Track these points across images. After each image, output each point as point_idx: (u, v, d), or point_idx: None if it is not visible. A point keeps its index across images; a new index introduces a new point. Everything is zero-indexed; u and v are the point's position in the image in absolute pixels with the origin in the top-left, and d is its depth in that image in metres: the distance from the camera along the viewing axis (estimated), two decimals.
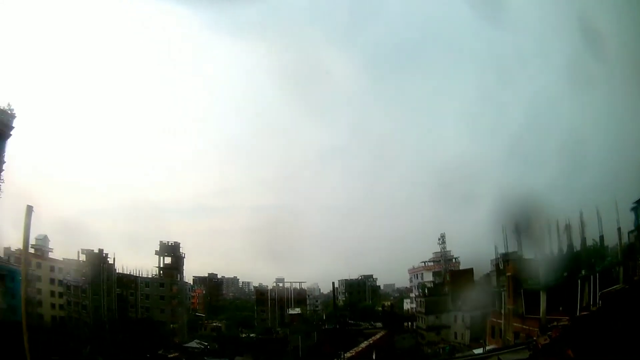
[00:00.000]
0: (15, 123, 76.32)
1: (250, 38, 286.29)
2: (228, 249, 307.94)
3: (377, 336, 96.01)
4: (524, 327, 70.31)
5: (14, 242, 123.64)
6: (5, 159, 75.37)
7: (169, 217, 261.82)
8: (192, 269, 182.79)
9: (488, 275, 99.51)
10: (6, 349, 71.04)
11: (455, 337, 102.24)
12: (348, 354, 73.50)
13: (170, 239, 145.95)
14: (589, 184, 77.01)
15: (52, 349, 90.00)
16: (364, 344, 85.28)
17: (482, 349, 74.56)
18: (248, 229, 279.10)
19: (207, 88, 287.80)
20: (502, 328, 78.87)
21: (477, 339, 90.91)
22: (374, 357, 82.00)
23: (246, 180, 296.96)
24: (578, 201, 75.43)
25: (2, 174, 74.23)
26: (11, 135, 75.05)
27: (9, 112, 74.98)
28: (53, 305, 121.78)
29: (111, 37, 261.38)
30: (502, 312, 79.99)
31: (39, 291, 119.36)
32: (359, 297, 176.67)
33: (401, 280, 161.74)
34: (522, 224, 77.94)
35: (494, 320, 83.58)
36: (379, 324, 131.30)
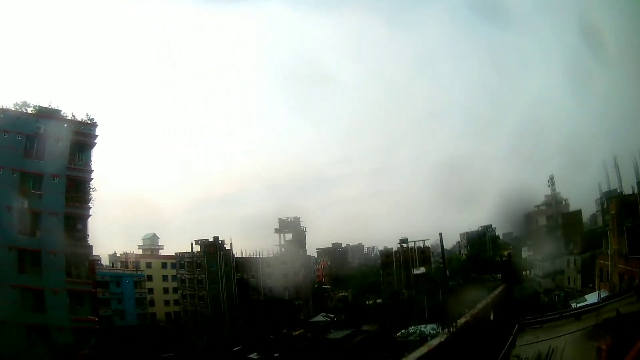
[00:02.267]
0: (98, 131, 78.43)
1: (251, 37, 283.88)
2: (350, 216, 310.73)
3: (494, 294, 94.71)
4: (627, 268, 67.63)
5: (119, 247, 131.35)
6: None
7: (289, 193, 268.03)
8: (316, 241, 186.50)
9: (594, 215, 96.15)
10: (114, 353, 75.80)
11: (569, 282, 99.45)
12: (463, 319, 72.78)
13: (291, 214, 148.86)
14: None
15: (166, 345, 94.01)
16: (480, 305, 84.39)
17: (597, 294, 72.76)
18: (371, 193, 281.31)
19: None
20: (609, 270, 76.01)
21: (587, 283, 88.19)
22: (491, 318, 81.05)
23: (359, 148, 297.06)
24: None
25: (92, 182, 76.71)
26: (96, 144, 77.71)
27: (89, 122, 77.66)
28: (167, 302, 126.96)
29: (111, 37, 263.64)
30: (609, 253, 77.07)
31: (151, 290, 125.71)
32: (480, 248, 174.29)
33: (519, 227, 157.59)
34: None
35: (602, 262, 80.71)
36: (499, 275, 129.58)
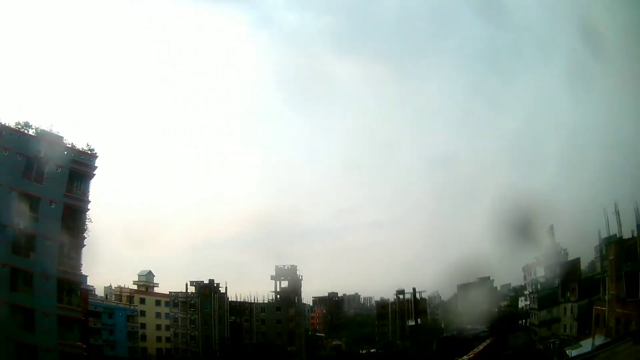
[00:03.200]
0: (97, 162, 78.73)
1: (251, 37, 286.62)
2: (350, 266, 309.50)
3: (478, 349, 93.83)
4: (624, 311, 66.82)
5: (114, 280, 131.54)
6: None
7: (289, 240, 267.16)
8: (312, 290, 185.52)
9: (593, 262, 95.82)
10: None
11: (565, 330, 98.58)
12: None
13: (290, 262, 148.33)
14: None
15: None
16: (465, 358, 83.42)
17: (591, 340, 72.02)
18: (370, 245, 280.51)
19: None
20: (606, 315, 75.19)
21: (584, 330, 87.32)
22: None
23: (363, 199, 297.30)
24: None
25: (88, 213, 76.78)
26: (95, 175, 77.91)
27: (90, 152, 77.93)
28: (159, 338, 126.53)
29: (111, 37, 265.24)
30: (606, 298, 76.37)
31: (143, 325, 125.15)
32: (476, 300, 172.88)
33: (517, 279, 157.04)
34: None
35: (599, 308, 79.79)
36: None
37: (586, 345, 72.70)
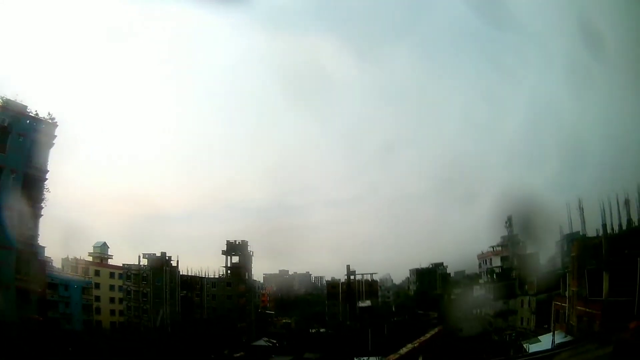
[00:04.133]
0: (57, 132, 76.33)
1: (251, 37, 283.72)
2: (303, 245, 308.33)
3: (425, 337, 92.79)
4: (587, 310, 66.61)
5: (71, 251, 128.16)
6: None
7: (242, 216, 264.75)
8: (265, 267, 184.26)
9: (553, 257, 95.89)
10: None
11: (522, 323, 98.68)
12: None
13: (244, 237, 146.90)
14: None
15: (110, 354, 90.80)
16: (404, 350, 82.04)
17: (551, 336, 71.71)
18: (324, 223, 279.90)
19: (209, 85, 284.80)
20: (567, 312, 75.00)
21: (542, 324, 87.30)
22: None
23: (321, 177, 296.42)
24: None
25: (46, 183, 74.55)
26: (54, 144, 75.41)
27: (51, 121, 75.46)
28: (113, 312, 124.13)
29: (110, 37, 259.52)
30: (567, 294, 76.14)
31: (97, 298, 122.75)
32: (429, 285, 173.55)
33: (472, 266, 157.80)
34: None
35: (559, 303, 79.84)
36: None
37: (545, 341, 72.57)
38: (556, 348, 59.34)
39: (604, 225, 72.51)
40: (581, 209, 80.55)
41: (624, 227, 70.82)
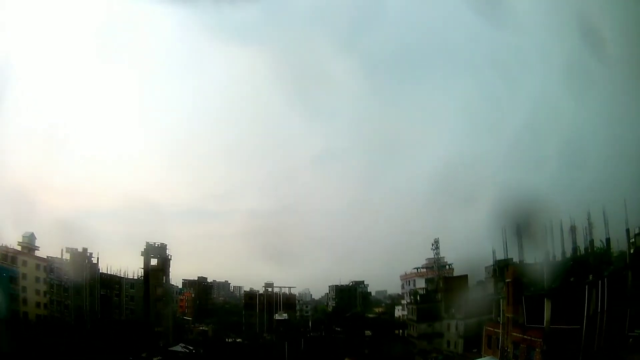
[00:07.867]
0: None
1: (250, 40, 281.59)
2: (222, 252, 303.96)
3: None
4: (525, 337, 67.26)
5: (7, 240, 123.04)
6: None
7: (164, 219, 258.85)
8: (184, 273, 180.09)
9: (483, 281, 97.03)
10: None
11: (448, 346, 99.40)
12: None
13: (163, 241, 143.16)
14: (589, 183, 75.37)
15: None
16: None
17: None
18: (244, 232, 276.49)
19: (204, 91, 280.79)
20: (500, 338, 75.66)
21: (470, 348, 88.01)
22: None
23: (243, 184, 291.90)
24: (579, 201, 73.50)
25: None
26: None
27: None
28: (38, 304, 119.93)
29: (108, 39, 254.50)
30: (500, 320, 76.80)
31: (24, 289, 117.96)
32: (349, 303, 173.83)
33: (394, 286, 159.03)
34: (523, 225, 75.67)
35: (491, 329, 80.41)
36: (368, 332, 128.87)
37: None
38: None
39: (547, 252, 73.71)
40: (519, 235, 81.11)
41: (567, 255, 72.24)
